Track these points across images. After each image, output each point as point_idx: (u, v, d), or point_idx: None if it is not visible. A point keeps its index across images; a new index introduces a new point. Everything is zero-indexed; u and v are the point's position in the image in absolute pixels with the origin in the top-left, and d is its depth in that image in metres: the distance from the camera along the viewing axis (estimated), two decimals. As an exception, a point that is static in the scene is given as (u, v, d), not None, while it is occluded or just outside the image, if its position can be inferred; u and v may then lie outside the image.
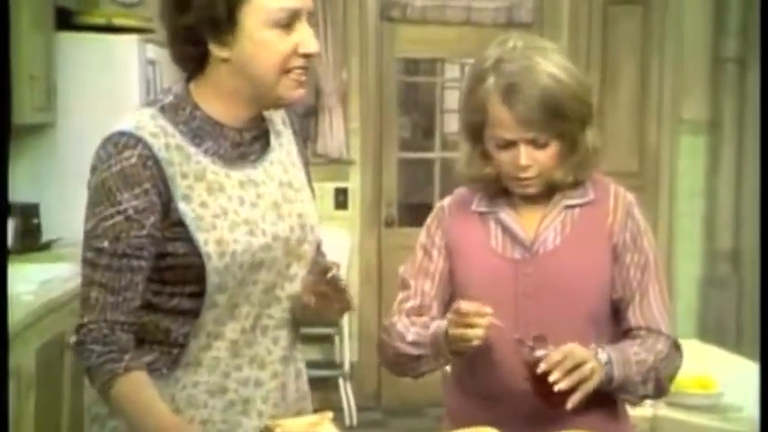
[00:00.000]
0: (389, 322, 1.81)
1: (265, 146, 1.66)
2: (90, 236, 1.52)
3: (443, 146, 5.33)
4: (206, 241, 1.52)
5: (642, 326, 1.76)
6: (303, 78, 1.57)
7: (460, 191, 1.87)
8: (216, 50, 1.53)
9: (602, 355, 1.66)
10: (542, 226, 1.77)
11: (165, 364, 1.59)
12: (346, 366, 4.84)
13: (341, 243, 4.82)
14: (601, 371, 1.63)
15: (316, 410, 1.69)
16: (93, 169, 1.54)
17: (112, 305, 1.51)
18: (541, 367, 1.58)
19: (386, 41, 5.08)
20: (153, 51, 4.15)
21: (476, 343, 1.62)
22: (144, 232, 1.51)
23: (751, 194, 4.87)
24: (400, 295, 1.84)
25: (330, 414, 1.60)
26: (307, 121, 4.82)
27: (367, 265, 5.08)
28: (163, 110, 1.57)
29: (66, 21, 4.04)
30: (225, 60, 1.54)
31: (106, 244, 1.50)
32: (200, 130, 1.57)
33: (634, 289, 1.76)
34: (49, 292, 3.06)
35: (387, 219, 5.15)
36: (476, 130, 1.75)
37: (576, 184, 1.77)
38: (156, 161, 1.51)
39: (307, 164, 1.76)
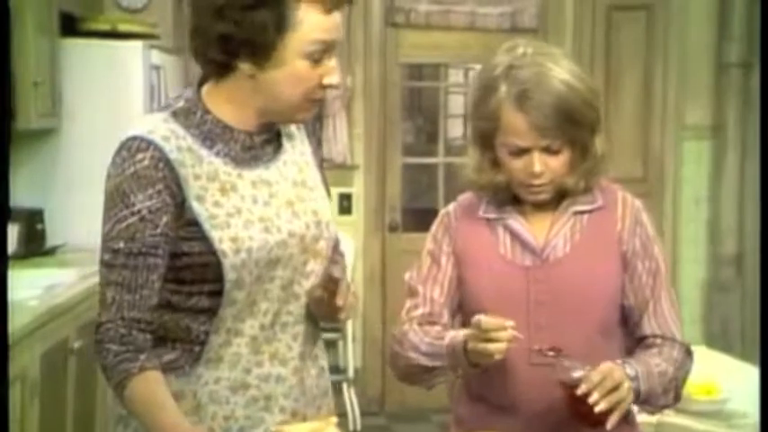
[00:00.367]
0: (400, 332, 1.80)
1: (277, 148, 1.68)
2: (106, 239, 1.56)
3: (447, 151, 5.34)
4: (221, 239, 1.55)
5: (657, 334, 1.77)
6: (318, 104, 1.62)
7: (465, 197, 1.86)
8: (246, 67, 1.55)
9: (630, 371, 1.66)
10: (552, 232, 1.76)
11: (186, 362, 1.61)
12: (350, 371, 4.84)
13: (345, 248, 4.80)
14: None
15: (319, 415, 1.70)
16: (109, 176, 1.57)
17: (129, 303, 1.54)
18: (582, 389, 1.57)
19: (390, 47, 5.08)
20: (157, 57, 4.16)
21: (497, 357, 1.60)
22: (158, 231, 1.53)
23: (755, 199, 4.87)
24: (408, 303, 1.83)
25: (334, 419, 1.61)
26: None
27: (371, 270, 5.08)
28: (174, 114, 1.60)
29: (70, 27, 4.05)
30: (251, 76, 1.56)
31: (122, 245, 1.53)
32: (210, 134, 1.60)
33: (647, 296, 1.77)
34: (53, 298, 3.06)
35: (391, 224, 5.15)
36: (487, 137, 1.74)
37: (585, 191, 1.77)
38: (168, 163, 1.54)
39: (321, 165, 1.79)
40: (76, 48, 3.99)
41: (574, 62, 1.74)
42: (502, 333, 1.58)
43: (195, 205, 1.55)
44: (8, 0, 3.04)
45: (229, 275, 1.56)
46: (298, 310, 1.67)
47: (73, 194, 3.97)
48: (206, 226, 1.55)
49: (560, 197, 1.77)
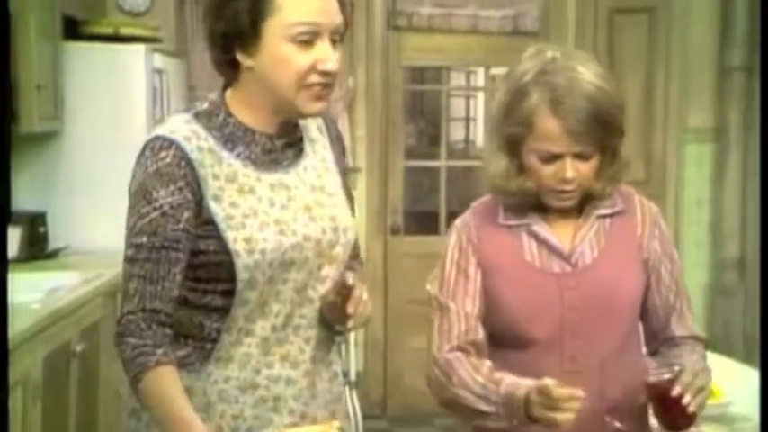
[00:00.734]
0: (444, 359, 1.74)
1: (298, 153, 1.70)
2: (129, 235, 1.58)
3: (449, 154, 5.34)
4: (235, 239, 1.57)
5: (685, 335, 1.81)
6: (322, 93, 1.60)
7: (480, 204, 1.85)
8: (242, 59, 1.59)
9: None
10: (577, 238, 1.76)
11: (197, 359, 1.63)
12: (352, 375, 4.83)
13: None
14: None
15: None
16: (133, 176, 1.60)
17: (151, 294, 1.56)
18: (676, 390, 1.57)
19: (392, 50, 5.09)
20: (160, 60, 4.17)
21: (565, 427, 1.55)
22: (180, 226, 1.56)
23: (757, 202, 4.86)
24: (441, 320, 1.77)
25: (336, 423, 1.61)
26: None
27: (372, 273, 5.08)
28: (197, 116, 1.63)
29: (73, 30, 4.06)
30: (250, 69, 1.59)
31: (144, 239, 1.56)
32: (232, 136, 1.62)
33: (673, 299, 1.80)
34: (56, 301, 3.06)
35: (392, 226, 5.15)
36: (516, 143, 1.72)
37: (608, 195, 1.78)
38: (189, 162, 1.57)
39: (344, 172, 1.79)
40: (79, 51, 4.00)
41: (599, 64, 1.72)
42: (573, 404, 1.53)
43: (212, 205, 1.57)
44: (8, 3, 3.04)
45: (242, 275, 1.57)
46: (311, 313, 1.68)
47: (75, 197, 3.97)
48: (221, 226, 1.57)
49: (582, 201, 1.77)
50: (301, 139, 1.71)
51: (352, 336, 4.83)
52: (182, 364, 1.60)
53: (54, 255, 3.85)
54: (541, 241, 1.76)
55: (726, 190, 5.15)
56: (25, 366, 2.73)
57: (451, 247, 1.80)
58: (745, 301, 5.12)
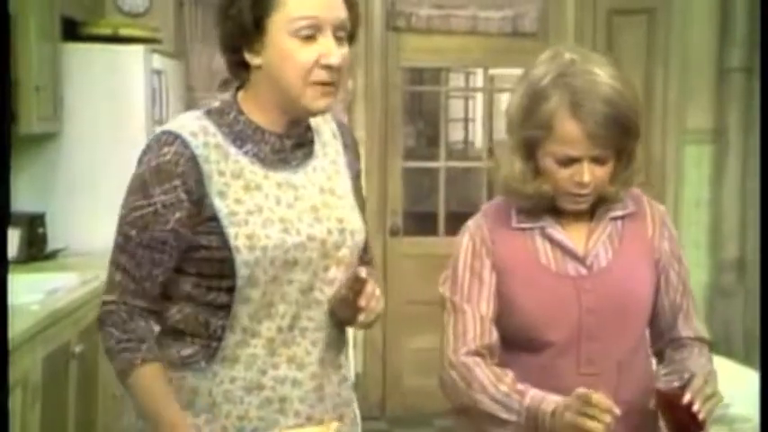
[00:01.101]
0: (460, 362, 1.73)
1: (308, 154, 1.70)
2: (122, 222, 1.63)
3: (448, 155, 5.33)
4: (236, 235, 1.58)
5: (692, 336, 1.82)
6: (328, 90, 1.61)
7: (492, 206, 1.84)
8: (249, 58, 1.61)
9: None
10: (591, 240, 1.77)
11: (203, 358, 1.64)
12: (351, 376, 4.83)
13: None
14: None
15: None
16: (139, 162, 1.63)
17: (133, 292, 1.62)
18: (687, 397, 1.57)
19: (391, 51, 5.08)
20: (159, 61, 4.16)
21: None
22: (168, 227, 1.59)
23: (756, 203, 4.86)
24: (455, 322, 1.76)
25: (335, 424, 1.61)
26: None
27: (372, 275, 5.08)
28: (208, 112, 1.66)
29: (72, 31, 4.06)
30: (258, 68, 1.61)
31: (134, 233, 1.60)
32: (241, 133, 1.64)
33: (681, 300, 1.82)
34: (55, 302, 3.06)
35: (392, 227, 5.15)
36: (533, 146, 1.72)
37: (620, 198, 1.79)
38: (192, 158, 1.58)
39: (357, 176, 1.81)
40: (78, 52, 4.00)
41: (615, 67, 1.72)
42: (607, 416, 1.52)
43: (216, 201, 1.58)
44: (8, 4, 3.04)
45: (242, 272, 1.58)
46: (319, 316, 1.67)
47: (74, 198, 3.97)
48: (224, 222, 1.58)
49: (593, 204, 1.77)
50: (312, 141, 1.71)
51: (350, 338, 4.83)
52: (187, 364, 1.62)
53: (53, 256, 3.85)
54: (556, 244, 1.76)
55: (725, 191, 5.15)
56: (24, 367, 2.73)
57: (464, 250, 1.80)
58: (744, 301, 5.12)
